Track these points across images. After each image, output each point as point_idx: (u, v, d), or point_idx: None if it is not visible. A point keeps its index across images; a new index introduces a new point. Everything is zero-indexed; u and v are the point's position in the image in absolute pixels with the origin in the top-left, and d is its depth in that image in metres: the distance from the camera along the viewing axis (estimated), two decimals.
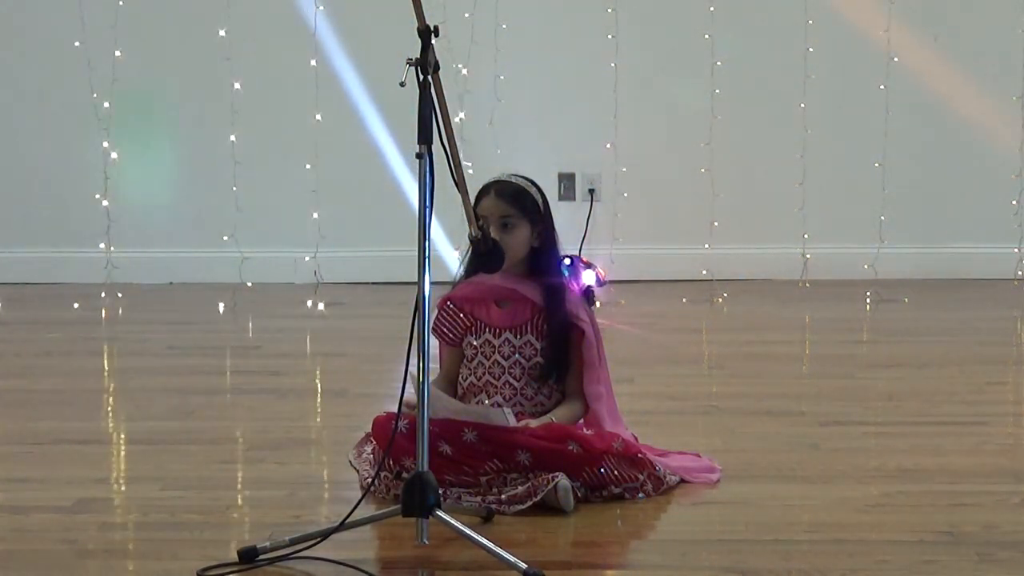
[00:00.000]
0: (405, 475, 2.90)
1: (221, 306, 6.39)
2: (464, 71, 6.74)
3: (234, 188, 6.72)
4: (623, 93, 6.94)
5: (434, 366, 3.39)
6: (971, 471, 3.56)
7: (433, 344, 3.41)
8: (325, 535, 2.89)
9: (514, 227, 3.45)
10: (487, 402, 3.45)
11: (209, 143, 6.93)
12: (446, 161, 2.95)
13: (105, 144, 6.78)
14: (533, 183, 3.53)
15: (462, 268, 3.56)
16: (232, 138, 6.73)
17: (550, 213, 3.53)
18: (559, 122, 7.11)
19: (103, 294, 6.61)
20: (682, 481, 3.43)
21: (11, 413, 4.33)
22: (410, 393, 2.98)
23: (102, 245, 6.75)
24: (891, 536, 3.07)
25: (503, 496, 3.21)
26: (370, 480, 3.29)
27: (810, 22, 6.90)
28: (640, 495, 3.31)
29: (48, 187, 7.18)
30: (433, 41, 2.85)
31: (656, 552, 3.01)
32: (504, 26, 6.91)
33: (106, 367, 5.30)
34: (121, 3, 6.79)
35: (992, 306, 6.52)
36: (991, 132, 7.13)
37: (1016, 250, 7.04)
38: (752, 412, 4.25)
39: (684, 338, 5.83)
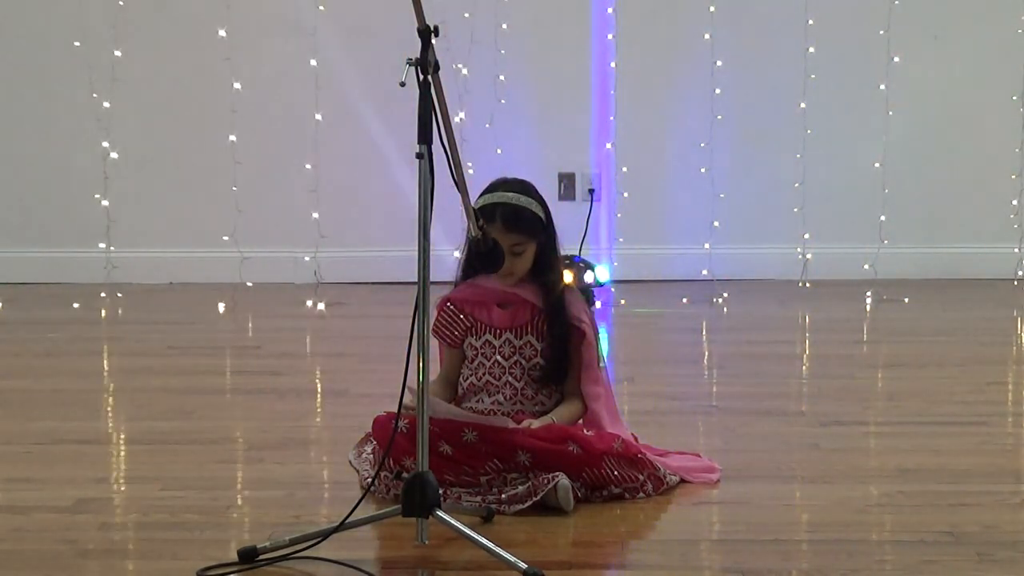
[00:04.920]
0: (405, 475, 2.90)
1: (221, 306, 6.39)
2: (464, 71, 6.75)
3: (234, 188, 6.73)
4: (623, 93, 6.95)
5: (434, 366, 3.39)
6: (971, 471, 3.56)
7: (433, 345, 3.42)
8: (325, 535, 2.89)
9: (523, 252, 3.45)
10: (487, 402, 3.45)
11: (209, 143, 6.94)
12: (446, 161, 2.94)
13: (105, 144, 6.78)
14: (531, 189, 3.49)
15: (460, 268, 3.55)
16: (232, 138, 6.73)
17: (551, 218, 3.52)
18: (559, 122, 7.12)
19: (103, 294, 6.62)
20: (682, 481, 3.43)
21: (11, 413, 4.33)
22: (410, 398, 2.98)
23: (102, 245, 6.76)
24: (891, 536, 3.07)
25: (503, 496, 3.21)
26: (370, 480, 3.29)
27: (810, 22, 6.91)
28: (640, 495, 3.31)
29: (48, 187, 7.18)
30: (433, 41, 2.84)
31: (656, 552, 3.01)
32: (504, 26, 6.92)
33: (106, 367, 5.30)
34: (121, 3, 6.80)
35: (992, 306, 6.52)
36: (991, 132, 7.13)
37: (1016, 250, 7.04)
38: (752, 412, 4.25)
39: (684, 338, 5.83)
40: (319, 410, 4.45)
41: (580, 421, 3.49)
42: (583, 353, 3.49)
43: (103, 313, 6.31)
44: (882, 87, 6.92)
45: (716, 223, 6.96)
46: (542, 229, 3.48)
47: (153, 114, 7.11)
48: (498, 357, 3.50)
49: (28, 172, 7.19)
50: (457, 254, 3.57)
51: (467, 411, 3.39)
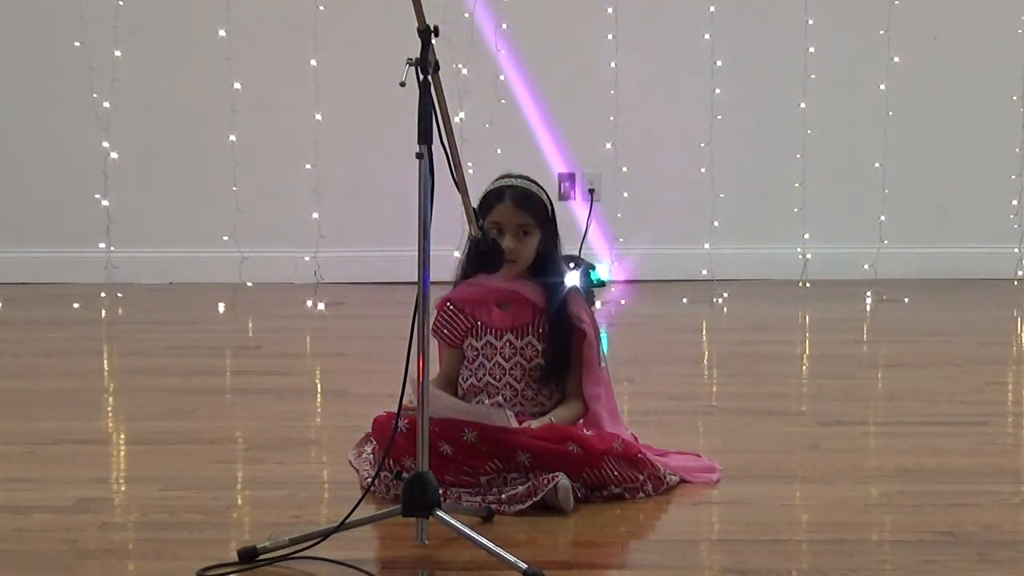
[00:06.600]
0: (405, 475, 2.90)
1: (221, 306, 6.39)
2: (464, 71, 6.75)
3: (234, 188, 6.73)
4: (623, 93, 6.95)
5: (434, 366, 3.39)
6: (971, 471, 3.56)
7: (432, 345, 3.41)
8: (325, 535, 2.89)
9: (529, 235, 3.45)
10: (487, 402, 3.45)
11: (209, 143, 6.94)
12: (446, 161, 2.94)
13: (105, 144, 6.79)
14: (537, 183, 3.52)
15: (460, 268, 3.55)
16: (232, 138, 6.73)
17: (555, 217, 3.53)
18: (559, 122, 7.11)
19: (103, 294, 6.62)
20: (682, 481, 3.43)
21: (11, 413, 4.33)
22: (410, 395, 2.98)
23: (102, 245, 6.76)
24: (891, 536, 3.07)
25: (503, 496, 3.21)
26: (370, 480, 3.29)
27: (810, 22, 6.91)
28: (640, 495, 3.31)
29: (48, 187, 7.18)
30: (433, 41, 2.84)
31: (656, 552, 3.01)
32: (504, 26, 6.92)
33: (106, 367, 5.30)
34: (121, 3, 6.80)
35: (992, 306, 6.52)
36: (991, 132, 7.13)
37: (1016, 250, 7.04)
38: (752, 412, 4.25)
39: (684, 338, 5.83)
40: (319, 410, 4.45)
41: (580, 421, 3.49)
42: (584, 353, 3.49)
43: (103, 313, 6.31)
44: (882, 87, 6.93)
45: (716, 223, 6.96)
46: (547, 219, 3.48)
47: (153, 114, 7.11)
48: (499, 358, 3.50)
49: (28, 172, 7.19)
50: (457, 254, 3.57)
51: (471, 404, 3.40)
